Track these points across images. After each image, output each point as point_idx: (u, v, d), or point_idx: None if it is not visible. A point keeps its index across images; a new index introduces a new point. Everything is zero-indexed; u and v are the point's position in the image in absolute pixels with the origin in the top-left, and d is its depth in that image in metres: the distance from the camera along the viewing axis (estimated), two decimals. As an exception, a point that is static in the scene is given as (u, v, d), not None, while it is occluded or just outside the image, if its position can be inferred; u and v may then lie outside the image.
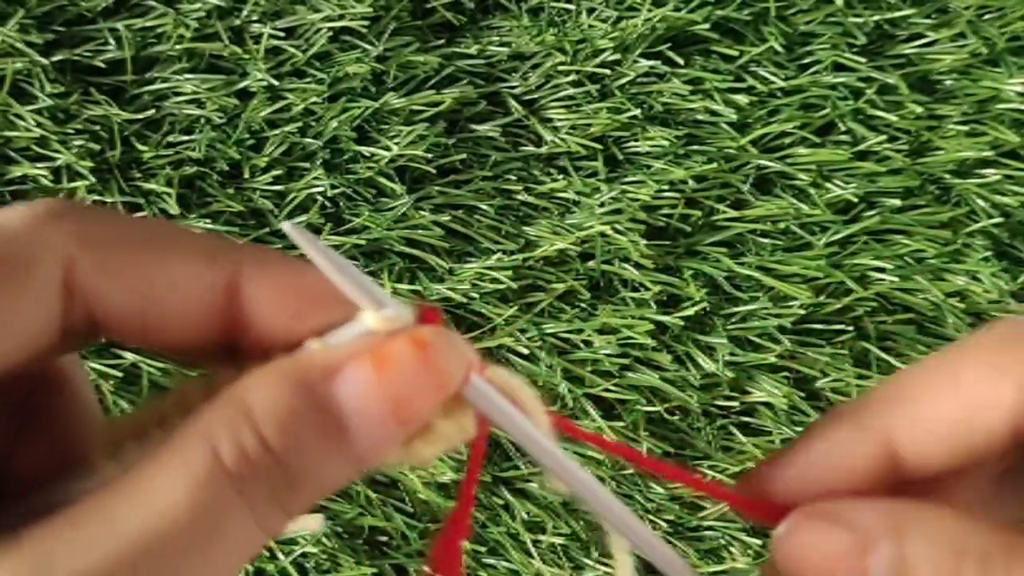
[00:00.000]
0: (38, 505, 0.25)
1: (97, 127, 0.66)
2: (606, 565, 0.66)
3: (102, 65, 0.67)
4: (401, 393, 0.25)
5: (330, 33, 0.68)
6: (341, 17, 0.68)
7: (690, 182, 0.69)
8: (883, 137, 0.71)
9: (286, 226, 0.27)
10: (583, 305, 0.68)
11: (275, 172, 0.67)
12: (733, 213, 0.69)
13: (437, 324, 0.28)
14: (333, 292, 0.27)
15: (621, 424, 0.66)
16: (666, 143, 0.70)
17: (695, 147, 0.70)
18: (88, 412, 0.29)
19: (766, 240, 0.70)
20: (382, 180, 0.68)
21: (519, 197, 0.69)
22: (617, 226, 0.68)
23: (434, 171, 0.68)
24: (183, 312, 0.26)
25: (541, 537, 0.66)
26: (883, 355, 0.69)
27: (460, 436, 0.28)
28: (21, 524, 0.24)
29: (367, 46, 0.68)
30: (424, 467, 0.29)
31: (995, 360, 0.28)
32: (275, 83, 0.67)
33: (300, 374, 0.25)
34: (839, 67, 0.72)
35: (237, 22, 0.68)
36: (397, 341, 0.26)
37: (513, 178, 0.70)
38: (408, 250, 0.67)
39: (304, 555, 0.65)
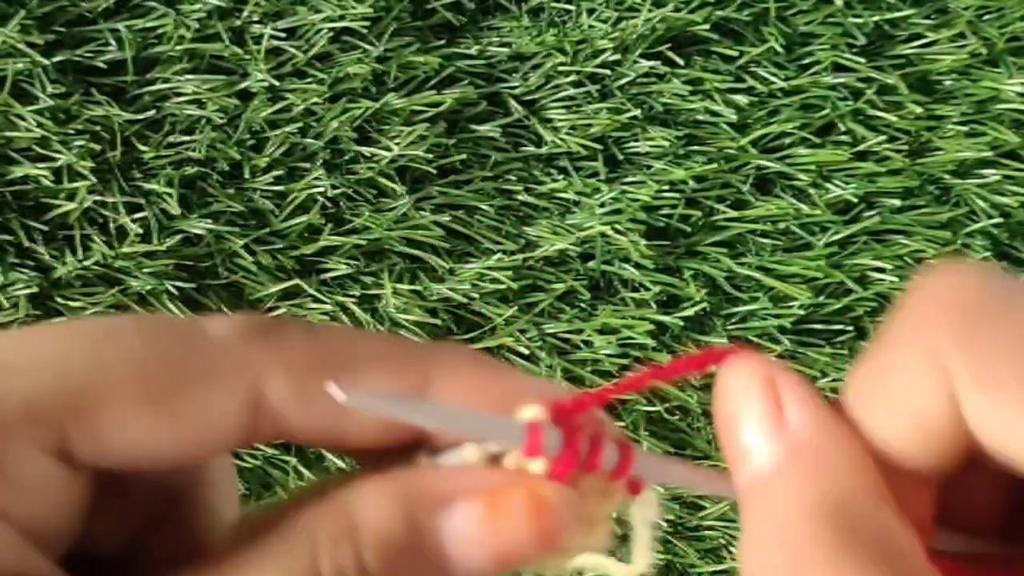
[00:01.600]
0: None
1: (98, 127, 0.66)
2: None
3: (103, 66, 0.67)
4: (507, 546, 0.25)
5: (331, 34, 0.68)
6: (342, 18, 0.68)
7: (690, 182, 0.69)
8: (883, 137, 0.71)
9: (337, 394, 0.26)
10: (583, 305, 0.68)
11: (276, 172, 0.67)
12: (733, 213, 0.70)
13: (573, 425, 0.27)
14: (527, 390, 0.27)
15: (621, 424, 0.66)
16: (666, 143, 0.70)
17: (695, 147, 0.70)
18: (228, 504, 0.29)
19: (766, 240, 0.70)
20: (383, 180, 0.68)
21: (519, 197, 0.69)
22: (617, 226, 0.68)
23: (434, 171, 0.68)
24: (375, 423, 0.26)
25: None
26: (883, 355, 0.69)
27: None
28: None
29: (368, 47, 0.68)
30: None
31: (923, 361, 0.25)
32: (276, 83, 0.67)
33: (411, 498, 0.25)
34: (839, 67, 0.72)
35: (238, 23, 0.68)
36: (515, 491, 0.26)
37: (513, 178, 0.70)
38: (408, 250, 0.67)
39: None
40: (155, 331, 0.25)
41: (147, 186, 0.66)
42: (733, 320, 0.69)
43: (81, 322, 0.26)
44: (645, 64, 0.71)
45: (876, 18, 0.72)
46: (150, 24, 0.67)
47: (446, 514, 0.25)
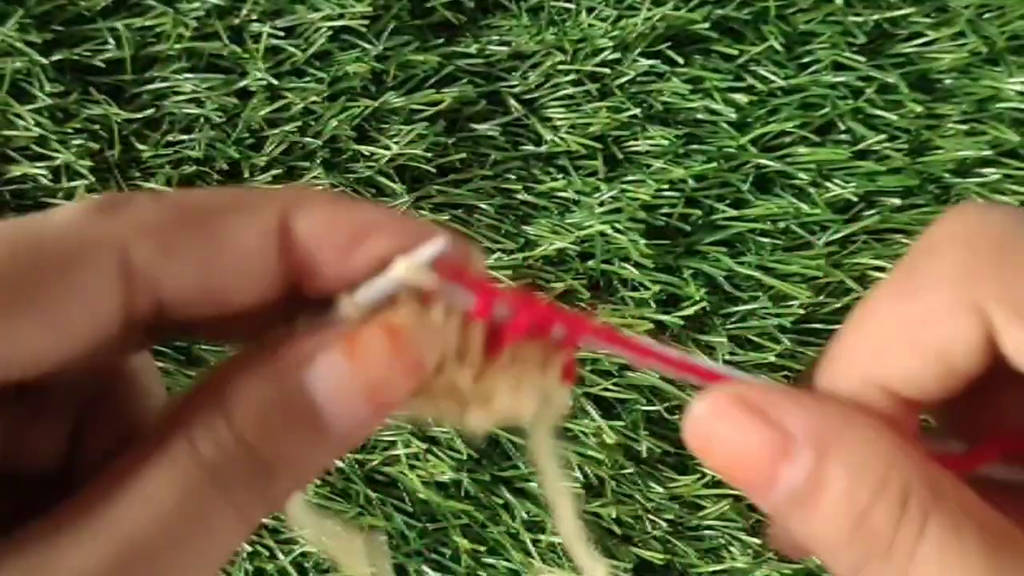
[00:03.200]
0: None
1: (96, 126, 0.66)
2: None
3: (101, 64, 0.67)
4: (373, 380, 0.26)
5: (329, 32, 0.68)
6: (341, 16, 0.68)
7: (690, 181, 0.69)
8: (883, 136, 0.71)
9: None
10: (582, 304, 0.68)
11: (275, 171, 0.67)
12: (733, 212, 0.69)
13: (483, 292, 0.28)
14: (386, 220, 0.27)
15: (621, 423, 0.66)
16: (666, 142, 0.70)
17: (695, 146, 0.70)
18: (154, 394, 0.29)
19: (766, 239, 0.70)
20: (382, 179, 0.68)
21: (519, 196, 0.69)
22: (617, 225, 0.68)
23: (434, 170, 0.68)
24: (244, 270, 0.26)
25: (541, 537, 0.66)
26: (883, 354, 0.69)
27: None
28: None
29: (367, 45, 0.68)
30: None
31: (956, 293, 0.26)
32: (274, 82, 0.67)
33: (276, 364, 0.25)
34: (839, 66, 0.71)
35: (236, 21, 0.68)
36: (369, 328, 0.26)
37: (513, 177, 0.69)
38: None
39: (304, 555, 0.65)
40: (13, 237, 0.25)
41: (146, 185, 0.66)
42: (733, 319, 0.69)
43: None
44: (645, 63, 0.70)
45: (876, 17, 0.72)
46: (148, 23, 0.67)
47: (311, 369, 0.25)
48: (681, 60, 0.71)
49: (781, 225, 0.70)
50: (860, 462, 0.25)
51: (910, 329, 0.26)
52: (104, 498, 0.24)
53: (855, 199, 0.70)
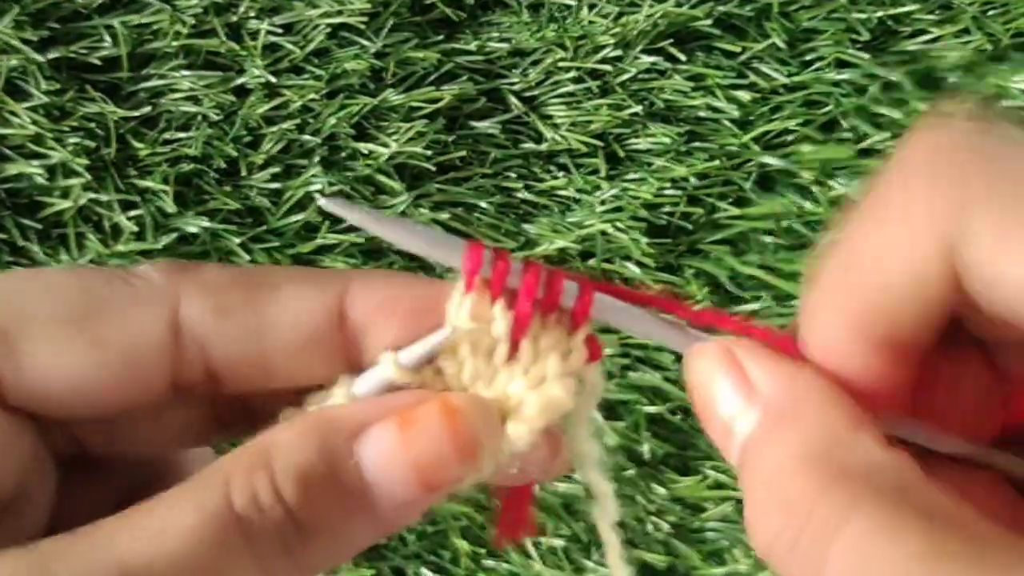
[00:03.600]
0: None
1: (93, 124, 0.65)
2: (605, 566, 0.65)
3: (98, 62, 0.66)
4: (425, 458, 0.25)
5: (328, 29, 0.67)
6: (339, 13, 0.67)
7: (692, 180, 0.69)
8: (887, 134, 0.70)
9: (323, 202, 0.27)
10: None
11: (273, 169, 0.66)
12: (735, 211, 0.69)
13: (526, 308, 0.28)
14: (433, 299, 0.27)
15: (623, 424, 0.66)
16: (667, 140, 0.69)
17: (697, 144, 0.70)
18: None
19: (769, 238, 0.69)
20: (381, 178, 0.67)
21: (519, 195, 0.69)
22: (618, 224, 0.67)
23: (433, 168, 0.68)
24: (297, 340, 0.26)
25: (541, 539, 0.65)
26: (887, 354, 0.68)
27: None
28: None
29: (365, 42, 0.68)
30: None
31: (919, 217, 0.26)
32: (272, 80, 0.67)
33: (325, 428, 0.25)
34: (842, 63, 0.71)
35: (234, 18, 0.67)
36: (426, 405, 0.26)
37: (513, 175, 0.69)
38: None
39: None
40: (79, 271, 0.26)
41: (142, 183, 0.65)
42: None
43: (10, 272, 0.27)
44: (646, 60, 0.70)
45: (880, 14, 0.71)
46: (145, 20, 0.66)
47: (362, 440, 0.25)
48: (683, 57, 0.70)
49: (784, 224, 0.69)
50: (803, 437, 0.25)
51: (881, 264, 0.26)
52: (124, 523, 0.24)
53: (859, 198, 0.69)
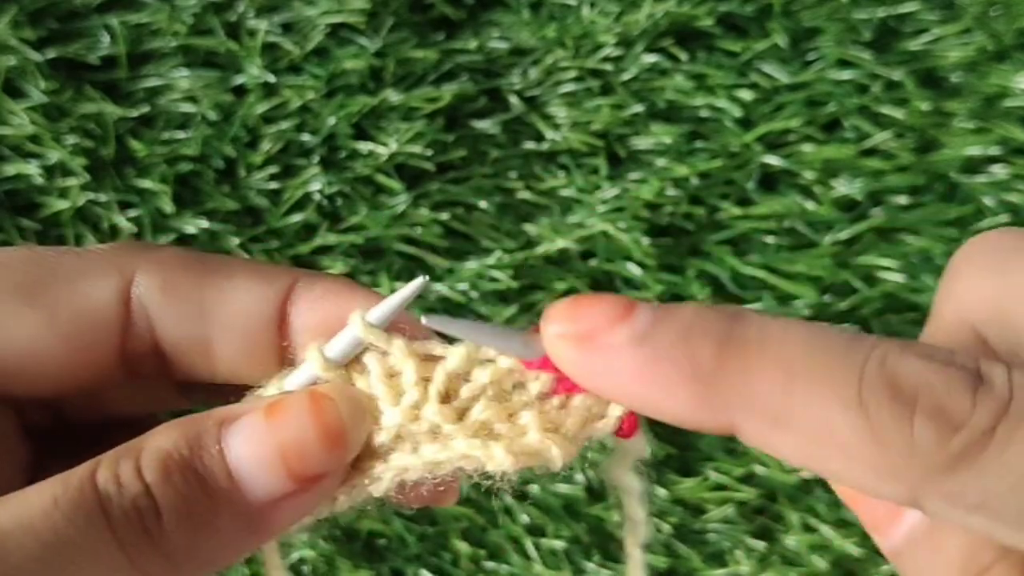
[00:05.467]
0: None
1: (91, 124, 0.65)
2: (606, 568, 0.65)
3: (96, 61, 0.66)
4: (290, 444, 0.25)
5: (327, 28, 0.67)
6: (339, 12, 0.67)
7: (693, 180, 0.68)
8: (889, 134, 0.70)
9: (424, 320, 0.27)
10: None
11: (271, 169, 0.66)
12: (737, 211, 0.68)
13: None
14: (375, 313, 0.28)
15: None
16: (669, 140, 0.69)
17: (698, 144, 0.69)
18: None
19: (771, 239, 0.69)
20: (380, 177, 0.67)
21: (519, 195, 0.68)
22: (619, 224, 0.67)
23: (433, 168, 0.67)
24: (239, 329, 0.27)
25: (542, 540, 0.65)
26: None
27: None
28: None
29: (365, 42, 0.67)
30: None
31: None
32: (271, 79, 0.66)
33: (197, 421, 0.26)
34: (844, 63, 0.71)
35: (233, 17, 0.67)
36: (296, 394, 0.26)
37: (513, 175, 0.69)
38: (407, 249, 0.66)
39: (301, 559, 0.64)
40: (33, 247, 0.27)
41: (140, 183, 0.65)
42: (737, 320, 0.67)
43: None
44: (648, 59, 0.70)
45: (882, 13, 0.71)
46: (144, 19, 0.66)
47: (231, 427, 0.25)
48: (684, 56, 0.70)
49: (786, 224, 0.69)
50: (686, 323, 0.26)
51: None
52: None
53: (861, 198, 0.69)
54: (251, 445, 0.25)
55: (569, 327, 0.26)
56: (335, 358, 0.27)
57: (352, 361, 0.28)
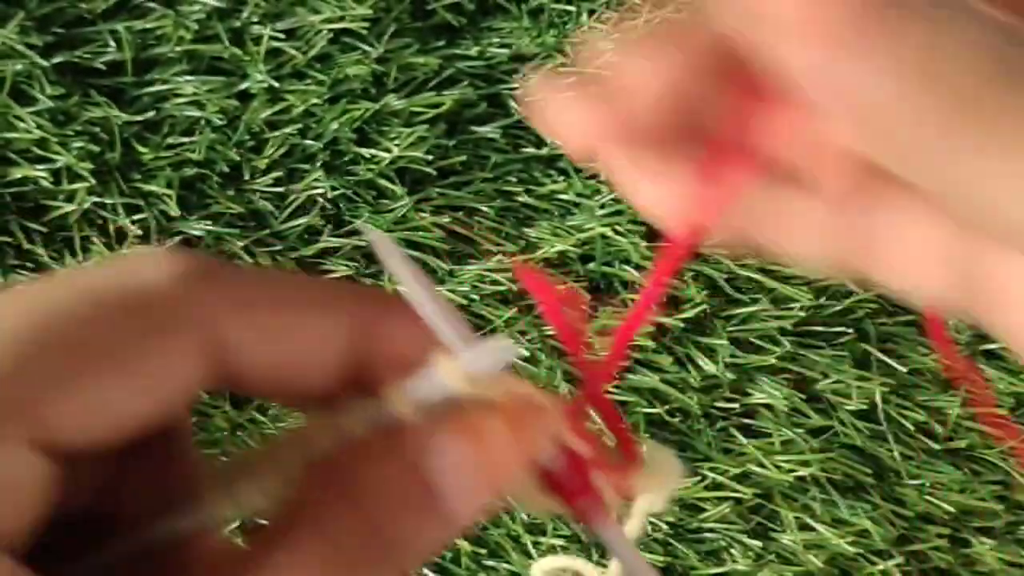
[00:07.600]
0: (140, 542, 0.26)
1: (97, 129, 0.66)
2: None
3: (102, 67, 0.67)
4: (496, 467, 0.27)
5: (330, 35, 0.68)
6: (341, 19, 0.68)
7: (690, 184, 0.69)
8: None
9: (372, 234, 0.27)
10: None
11: (275, 174, 0.67)
12: (733, 215, 0.69)
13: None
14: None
15: (622, 426, 0.66)
16: (666, 145, 0.69)
17: (695, 149, 0.70)
18: (194, 452, 0.29)
19: (767, 242, 0.69)
20: (382, 182, 0.68)
21: (519, 199, 0.69)
22: (618, 227, 0.67)
23: (434, 173, 0.68)
24: (318, 365, 0.27)
25: (541, 539, 0.66)
26: (883, 357, 0.69)
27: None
28: (119, 562, 0.25)
29: (367, 47, 0.68)
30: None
31: None
32: (275, 85, 0.67)
33: (400, 452, 0.26)
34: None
35: (237, 24, 0.68)
36: (490, 420, 0.27)
37: (513, 179, 0.69)
38: (408, 251, 0.67)
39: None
40: (95, 292, 0.24)
41: (146, 187, 0.66)
42: (734, 322, 0.68)
43: (10, 295, 0.25)
44: (645, 65, 0.70)
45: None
46: (149, 25, 0.67)
47: (437, 455, 0.26)
48: (682, 62, 0.71)
49: (782, 227, 0.69)
50: None
51: None
52: None
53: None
54: (461, 475, 0.26)
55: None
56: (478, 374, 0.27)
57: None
